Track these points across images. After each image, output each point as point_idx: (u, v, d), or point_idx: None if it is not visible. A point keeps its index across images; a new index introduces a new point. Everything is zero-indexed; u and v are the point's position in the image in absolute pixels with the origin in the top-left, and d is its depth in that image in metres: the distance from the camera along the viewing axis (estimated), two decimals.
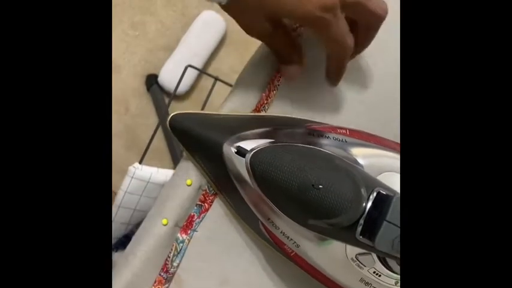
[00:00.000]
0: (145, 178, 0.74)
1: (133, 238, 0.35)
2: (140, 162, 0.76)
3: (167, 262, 0.34)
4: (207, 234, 0.35)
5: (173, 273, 0.34)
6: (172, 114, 0.33)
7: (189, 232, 0.35)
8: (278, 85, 0.36)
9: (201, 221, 0.35)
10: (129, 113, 1.15)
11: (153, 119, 1.15)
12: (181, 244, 0.34)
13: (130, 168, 0.74)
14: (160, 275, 0.34)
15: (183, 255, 0.35)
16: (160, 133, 1.11)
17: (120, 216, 0.75)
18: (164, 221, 0.34)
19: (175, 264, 0.34)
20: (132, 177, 0.73)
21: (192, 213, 0.35)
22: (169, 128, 0.33)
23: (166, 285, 0.34)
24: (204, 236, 0.35)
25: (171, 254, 0.34)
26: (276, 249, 0.33)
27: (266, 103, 0.36)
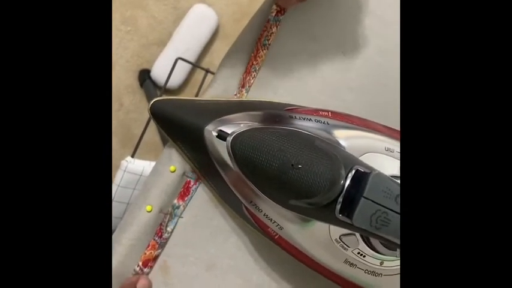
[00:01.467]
0: (137, 172, 0.74)
1: (119, 226, 0.35)
2: (133, 156, 0.76)
3: (162, 227, 0.34)
4: (193, 221, 0.35)
5: (166, 239, 0.35)
6: (153, 101, 0.33)
7: (185, 199, 0.35)
8: (258, 69, 0.36)
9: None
10: (123, 108, 1.15)
11: (147, 115, 1.14)
12: (176, 210, 0.34)
13: (123, 162, 0.74)
14: (154, 239, 0.34)
15: (177, 221, 0.35)
16: (155, 128, 1.11)
17: (113, 210, 0.75)
18: (148, 208, 0.34)
19: (169, 229, 0.34)
20: (125, 171, 0.73)
21: (188, 180, 0.35)
22: (150, 115, 0.33)
23: (159, 250, 0.35)
24: (190, 222, 0.35)
25: (166, 220, 0.34)
26: (260, 233, 0.33)
27: (249, 86, 0.36)
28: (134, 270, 0.34)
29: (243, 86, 0.36)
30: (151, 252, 0.34)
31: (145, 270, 0.34)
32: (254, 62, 0.36)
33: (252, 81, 0.36)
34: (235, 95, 0.36)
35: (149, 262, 0.34)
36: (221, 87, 0.36)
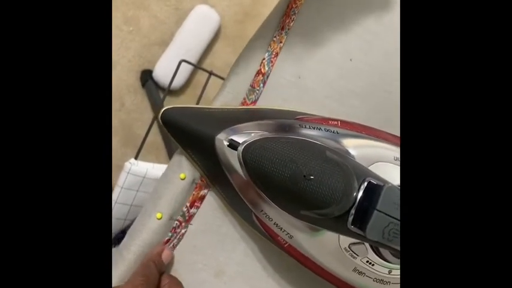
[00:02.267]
0: (141, 173, 0.74)
1: (128, 233, 0.35)
2: (136, 158, 0.76)
3: None
4: (202, 228, 0.36)
5: None
6: (163, 109, 0.33)
7: None
8: (297, 12, 0.37)
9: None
10: (124, 108, 1.15)
11: (148, 115, 1.15)
12: None
13: (126, 164, 0.74)
14: (202, 180, 0.35)
15: None
16: (156, 128, 1.11)
17: (117, 211, 0.75)
18: (158, 215, 0.34)
19: None
20: (128, 173, 0.74)
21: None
22: (161, 123, 0.33)
23: (206, 190, 0.36)
24: (199, 229, 0.35)
25: None
26: (269, 241, 0.33)
27: (288, 28, 0.37)
28: (181, 211, 0.35)
29: (282, 29, 0.37)
30: (198, 192, 0.35)
31: (192, 210, 0.35)
32: (294, 5, 0.37)
33: (291, 24, 0.37)
34: (275, 37, 0.37)
35: (195, 202, 0.35)
36: (231, 95, 0.36)
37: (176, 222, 0.35)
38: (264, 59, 0.36)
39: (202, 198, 0.35)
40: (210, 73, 0.81)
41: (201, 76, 1.14)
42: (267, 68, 0.36)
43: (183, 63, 0.80)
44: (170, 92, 1.13)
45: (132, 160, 0.75)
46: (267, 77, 0.36)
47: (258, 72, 0.36)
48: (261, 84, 0.36)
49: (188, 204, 0.35)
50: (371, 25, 0.40)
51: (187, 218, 0.35)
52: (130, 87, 1.16)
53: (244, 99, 0.36)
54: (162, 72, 1.12)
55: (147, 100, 1.16)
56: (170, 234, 0.35)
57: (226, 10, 1.19)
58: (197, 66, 0.98)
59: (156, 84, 1.13)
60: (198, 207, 0.35)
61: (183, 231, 0.35)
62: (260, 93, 0.36)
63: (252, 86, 0.36)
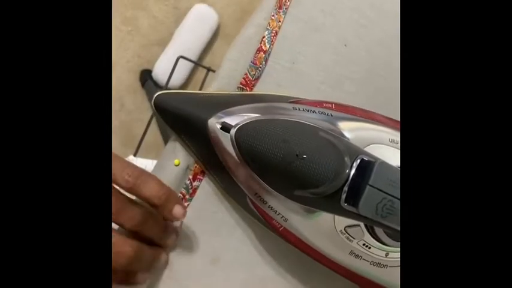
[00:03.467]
0: None
1: None
2: (135, 155, 0.76)
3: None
4: (197, 214, 0.35)
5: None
6: (156, 94, 0.33)
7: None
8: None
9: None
10: (124, 109, 1.15)
11: (148, 115, 1.15)
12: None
13: None
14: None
15: None
16: (156, 127, 1.11)
17: None
18: None
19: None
20: None
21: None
22: (153, 108, 0.33)
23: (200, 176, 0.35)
24: (194, 215, 0.35)
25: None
26: (265, 225, 0.33)
27: (285, 8, 0.37)
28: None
29: (280, 8, 0.37)
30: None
31: (195, 184, 0.35)
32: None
33: (288, 3, 0.37)
34: (273, 16, 0.37)
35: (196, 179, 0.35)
36: (224, 81, 0.36)
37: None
38: (264, 37, 0.36)
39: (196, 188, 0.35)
40: (208, 69, 0.81)
41: (201, 75, 1.14)
42: (268, 46, 0.36)
43: (181, 61, 0.80)
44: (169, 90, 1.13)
45: (131, 157, 0.75)
46: (269, 54, 0.36)
47: (259, 50, 0.36)
48: (263, 62, 0.36)
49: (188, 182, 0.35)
50: (365, 11, 0.39)
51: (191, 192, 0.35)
52: (130, 87, 1.16)
53: (246, 74, 0.36)
54: (162, 72, 1.12)
55: (147, 100, 1.16)
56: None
57: (224, 8, 1.19)
58: (195, 62, 0.98)
59: (156, 83, 1.13)
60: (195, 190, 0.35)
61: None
62: (262, 71, 0.36)
63: (253, 62, 0.36)
